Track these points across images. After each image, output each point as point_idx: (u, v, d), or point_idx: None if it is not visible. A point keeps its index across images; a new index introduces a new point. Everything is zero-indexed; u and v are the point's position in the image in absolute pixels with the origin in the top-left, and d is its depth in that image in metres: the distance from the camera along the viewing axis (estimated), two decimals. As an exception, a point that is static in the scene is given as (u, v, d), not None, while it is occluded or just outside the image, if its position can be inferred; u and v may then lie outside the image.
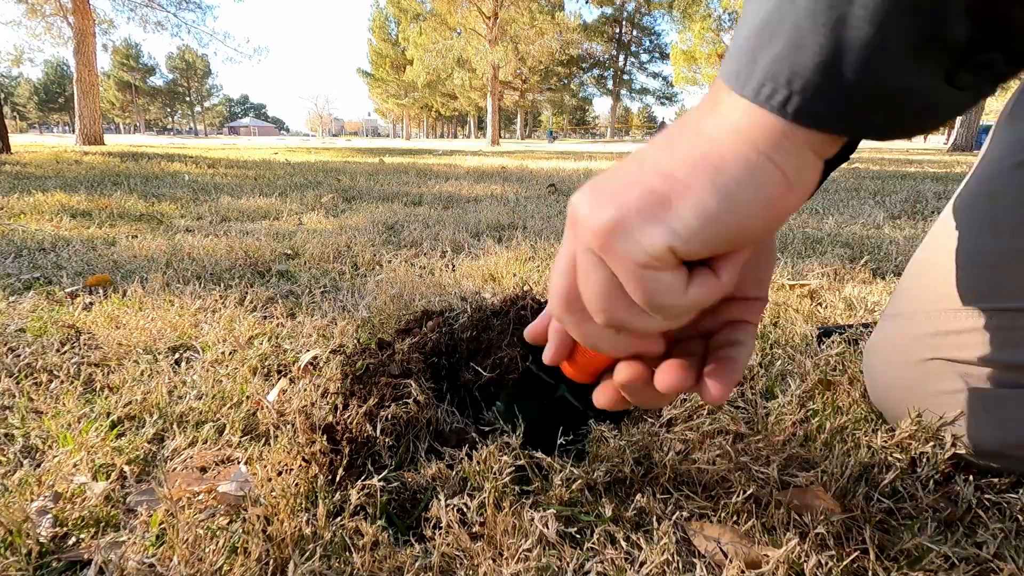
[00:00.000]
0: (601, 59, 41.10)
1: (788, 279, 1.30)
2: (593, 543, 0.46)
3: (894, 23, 0.20)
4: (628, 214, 0.25)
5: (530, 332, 0.38)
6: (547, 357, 0.37)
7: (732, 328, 0.32)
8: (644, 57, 41.91)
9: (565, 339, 0.36)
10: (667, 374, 0.30)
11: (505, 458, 0.53)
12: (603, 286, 0.28)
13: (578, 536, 0.48)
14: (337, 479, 0.53)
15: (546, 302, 0.75)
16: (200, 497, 0.52)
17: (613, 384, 0.34)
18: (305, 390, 0.71)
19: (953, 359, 0.56)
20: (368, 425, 0.57)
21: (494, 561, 0.45)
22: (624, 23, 40.08)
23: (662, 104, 45.66)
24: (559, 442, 0.53)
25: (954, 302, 0.56)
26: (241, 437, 0.63)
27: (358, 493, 0.50)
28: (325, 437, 0.56)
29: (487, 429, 0.57)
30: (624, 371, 0.32)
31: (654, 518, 0.49)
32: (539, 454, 0.54)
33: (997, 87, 0.23)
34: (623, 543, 0.46)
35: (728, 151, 0.25)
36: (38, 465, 0.57)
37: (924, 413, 0.57)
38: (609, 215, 0.26)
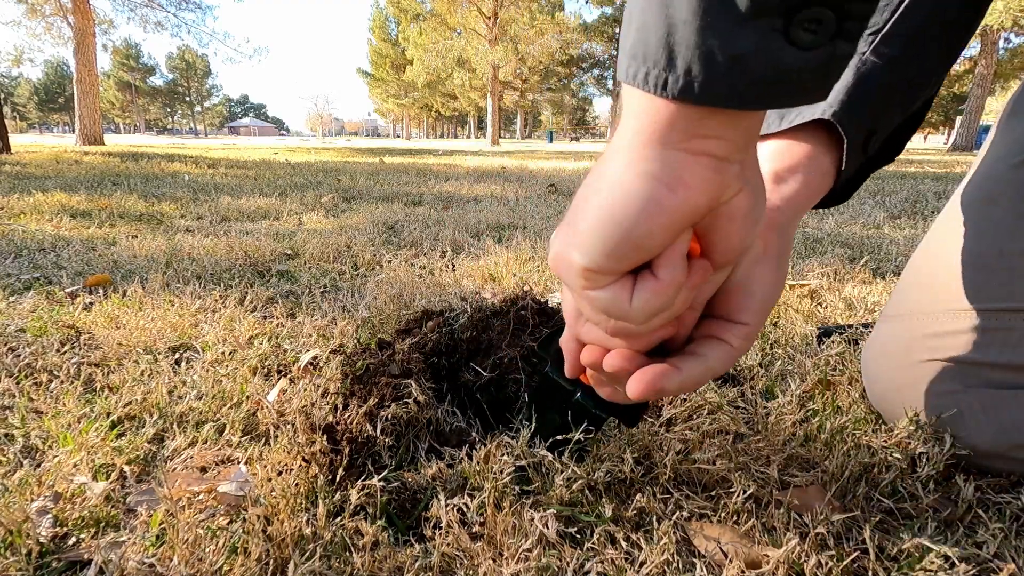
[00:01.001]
0: (601, 59, 41.07)
1: (788, 279, 1.30)
2: (593, 543, 0.46)
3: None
4: (560, 248, 0.29)
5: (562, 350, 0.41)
6: (567, 371, 0.39)
7: (702, 341, 0.33)
8: (644, 57, 41.81)
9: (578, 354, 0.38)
10: (610, 357, 0.32)
11: (505, 458, 0.53)
12: (576, 307, 0.32)
13: (578, 536, 0.48)
14: (337, 479, 0.53)
15: (546, 302, 0.75)
16: (200, 497, 0.52)
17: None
18: (305, 390, 0.71)
19: (952, 360, 0.56)
20: (368, 425, 0.57)
21: (494, 561, 0.45)
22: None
23: (662, 104, 45.51)
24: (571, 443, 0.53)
25: (953, 303, 0.56)
26: (241, 437, 0.63)
27: (358, 493, 0.50)
28: (325, 437, 0.56)
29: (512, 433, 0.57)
30: (586, 354, 0.34)
31: (654, 518, 0.49)
32: (541, 451, 0.54)
33: (852, 45, 0.23)
34: (623, 543, 0.46)
35: (601, 171, 0.27)
36: (38, 465, 0.57)
37: (923, 414, 0.57)
38: (552, 251, 0.30)
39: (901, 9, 0.40)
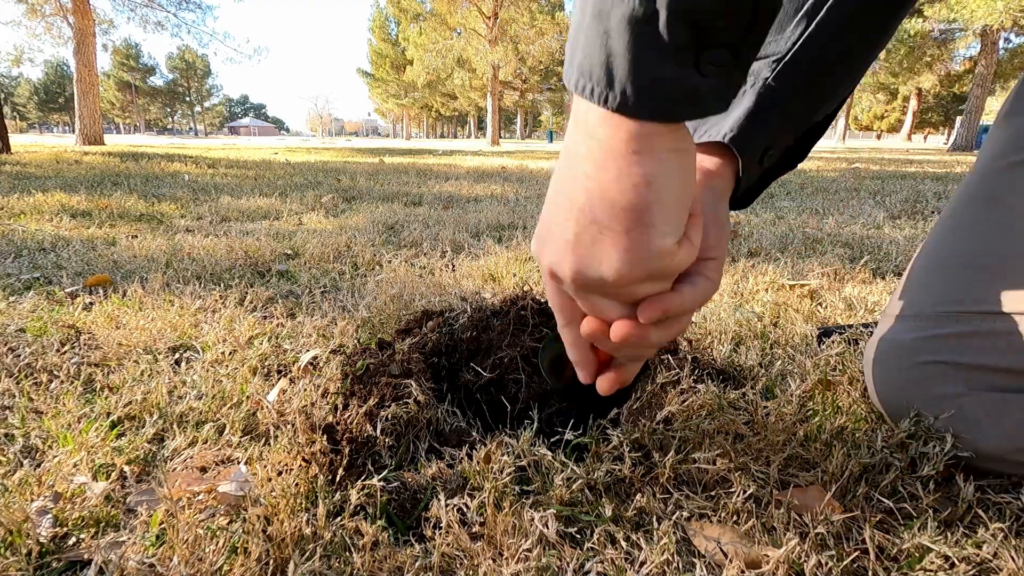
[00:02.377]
0: (601, 59, 40.98)
1: (788, 279, 1.30)
2: (593, 543, 0.46)
3: (637, 33, 0.27)
4: (579, 265, 0.33)
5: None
6: (588, 377, 0.43)
7: (686, 277, 0.38)
8: (644, 57, 41.81)
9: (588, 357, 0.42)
10: (645, 309, 0.36)
11: (505, 458, 0.53)
12: (595, 305, 0.36)
13: (578, 536, 0.48)
14: (337, 479, 0.53)
15: (546, 302, 0.75)
16: (200, 497, 0.52)
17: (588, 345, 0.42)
18: (305, 390, 0.71)
19: (954, 362, 0.55)
20: (368, 425, 0.57)
21: (494, 561, 0.45)
22: (624, 23, 39.99)
23: (662, 104, 45.52)
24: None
25: (954, 305, 0.56)
26: (241, 437, 0.63)
27: (358, 493, 0.50)
28: (325, 437, 0.56)
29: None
30: (587, 326, 0.39)
31: (654, 518, 0.49)
32: (542, 450, 0.54)
33: (744, 74, 0.30)
34: (623, 543, 0.46)
35: (586, 171, 0.32)
36: (38, 465, 0.57)
37: (924, 415, 0.57)
38: (567, 270, 0.34)
39: (801, 40, 0.45)
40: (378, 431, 0.57)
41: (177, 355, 0.86)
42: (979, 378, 0.54)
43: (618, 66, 0.28)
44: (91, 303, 1.07)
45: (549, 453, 0.54)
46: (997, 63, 15.72)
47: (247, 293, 1.14)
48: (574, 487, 0.51)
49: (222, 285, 1.22)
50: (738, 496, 0.50)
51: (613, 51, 0.28)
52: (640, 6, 0.26)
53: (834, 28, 0.45)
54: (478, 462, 0.53)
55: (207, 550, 0.45)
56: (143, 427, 0.64)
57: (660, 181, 0.31)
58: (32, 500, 0.51)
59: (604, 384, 0.42)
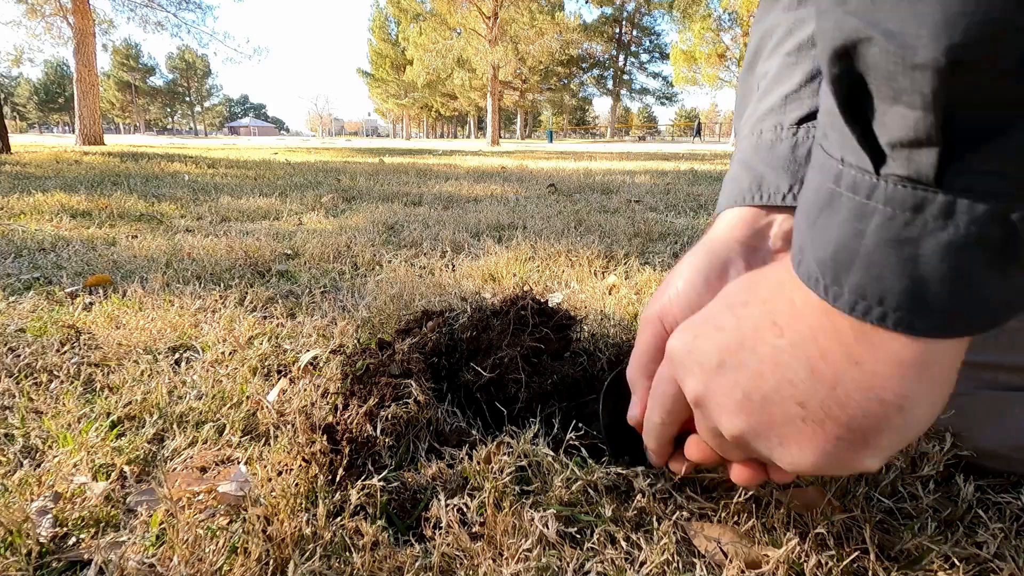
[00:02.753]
0: (601, 59, 41.10)
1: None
2: (593, 543, 0.46)
3: (971, 258, 0.21)
4: (749, 433, 0.29)
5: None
6: (659, 462, 0.43)
7: None
8: (644, 57, 41.93)
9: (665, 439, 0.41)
10: (740, 473, 0.35)
11: (505, 458, 0.53)
12: (726, 449, 0.34)
13: (578, 536, 0.48)
14: (337, 479, 0.53)
15: (546, 302, 0.75)
16: (200, 497, 0.52)
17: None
18: (305, 390, 0.71)
19: None
20: (368, 425, 0.57)
21: (494, 561, 0.45)
22: (624, 23, 40.10)
23: (662, 104, 45.69)
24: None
25: None
26: (241, 437, 0.63)
27: (358, 493, 0.50)
28: (325, 437, 0.56)
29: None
30: (698, 454, 0.38)
31: (654, 518, 0.49)
32: (543, 450, 0.54)
33: None
34: (623, 543, 0.46)
35: (852, 383, 0.26)
36: (38, 465, 0.57)
37: None
38: (729, 425, 0.30)
39: None
40: (378, 431, 0.57)
41: (177, 355, 0.86)
42: (979, 376, 0.54)
43: (935, 293, 0.22)
44: (91, 303, 1.07)
45: (550, 453, 0.54)
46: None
47: (247, 293, 1.14)
48: (574, 487, 0.51)
49: (222, 285, 1.22)
50: (738, 496, 0.50)
51: (927, 278, 0.22)
52: (978, 231, 0.21)
53: None
54: (478, 462, 0.53)
55: (207, 550, 0.45)
56: (143, 427, 0.64)
57: (916, 407, 0.25)
58: (32, 500, 0.51)
59: (678, 467, 0.41)
